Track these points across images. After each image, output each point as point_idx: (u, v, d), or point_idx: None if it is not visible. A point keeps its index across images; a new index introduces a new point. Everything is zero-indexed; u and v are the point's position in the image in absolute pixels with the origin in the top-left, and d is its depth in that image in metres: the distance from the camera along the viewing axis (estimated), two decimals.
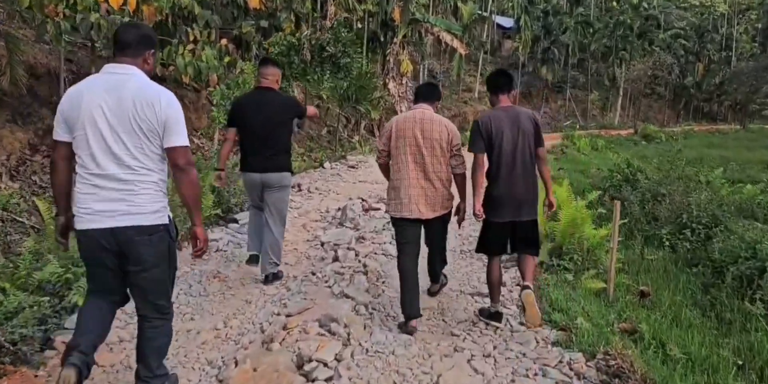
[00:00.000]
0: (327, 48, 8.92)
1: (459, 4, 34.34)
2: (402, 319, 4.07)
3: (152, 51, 2.69)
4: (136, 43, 2.61)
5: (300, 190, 9.63)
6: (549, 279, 5.44)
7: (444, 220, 4.12)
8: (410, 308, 3.96)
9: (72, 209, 2.66)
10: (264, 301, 4.69)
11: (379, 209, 7.99)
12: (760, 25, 56.64)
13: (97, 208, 2.52)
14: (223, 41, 11.39)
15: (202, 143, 11.54)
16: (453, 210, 4.15)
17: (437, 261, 4.45)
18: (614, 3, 52.51)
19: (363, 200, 8.72)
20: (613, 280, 5.32)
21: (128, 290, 2.82)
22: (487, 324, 4.16)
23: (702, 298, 5.76)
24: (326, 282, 5.08)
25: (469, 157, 4.03)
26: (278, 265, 5.02)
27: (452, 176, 4.03)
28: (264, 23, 12.00)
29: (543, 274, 5.60)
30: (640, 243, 7.57)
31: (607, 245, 5.84)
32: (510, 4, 48.03)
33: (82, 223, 2.57)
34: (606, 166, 17.81)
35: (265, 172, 4.64)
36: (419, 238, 4.12)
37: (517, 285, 4.73)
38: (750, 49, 59.34)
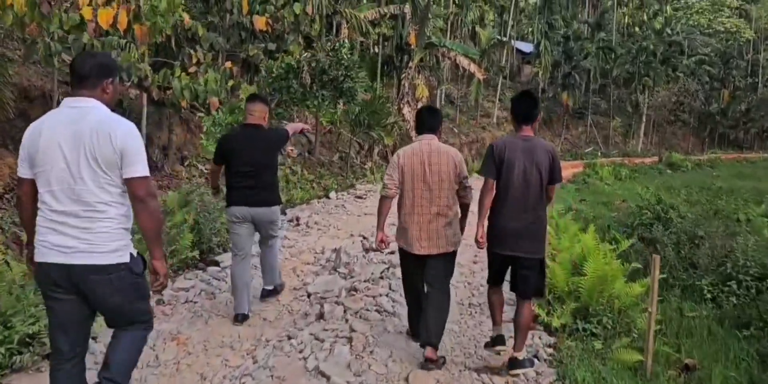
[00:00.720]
0: (328, 71, 8.20)
1: (477, 28, 33.84)
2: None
3: (110, 79, 2.62)
4: (93, 74, 2.56)
5: (298, 225, 8.81)
6: (574, 348, 4.50)
7: (452, 257, 4.03)
8: (426, 333, 3.86)
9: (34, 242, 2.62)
10: (222, 378, 3.82)
11: (379, 250, 7.12)
12: None
13: (55, 243, 2.48)
14: (228, 64, 10.75)
15: (206, 169, 10.83)
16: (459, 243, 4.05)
17: (435, 315, 3.93)
18: (636, 29, 51.80)
19: (364, 238, 7.87)
20: (651, 352, 4.36)
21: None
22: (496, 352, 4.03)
23: (759, 372, 4.77)
24: (301, 352, 4.20)
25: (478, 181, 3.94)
26: (276, 281, 5.19)
27: (459, 207, 3.99)
28: (272, 46, 11.35)
29: (566, 342, 4.66)
30: (677, 295, 6.58)
31: (643, 304, 4.89)
32: (530, 29, 47.62)
33: (39, 256, 2.54)
34: (631, 197, 16.81)
35: (254, 205, 4.61)
36: (422, 274, 4.06)
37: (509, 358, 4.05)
38: None
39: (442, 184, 3.86)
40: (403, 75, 23.36)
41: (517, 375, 3.78)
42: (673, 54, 45.84)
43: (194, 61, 10.92)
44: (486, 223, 3.82)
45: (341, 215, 9.89)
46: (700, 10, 57.39)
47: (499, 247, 3.79)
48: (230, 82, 9.96)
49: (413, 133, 23.36)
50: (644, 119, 44.94)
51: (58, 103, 10.28)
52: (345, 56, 8.03)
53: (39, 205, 2.54)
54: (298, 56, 8.40)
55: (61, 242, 2.48)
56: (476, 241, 3.85)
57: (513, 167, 3.69)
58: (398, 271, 5.36)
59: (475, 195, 4.04)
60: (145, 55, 10.34)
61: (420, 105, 23.64)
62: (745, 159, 39.86)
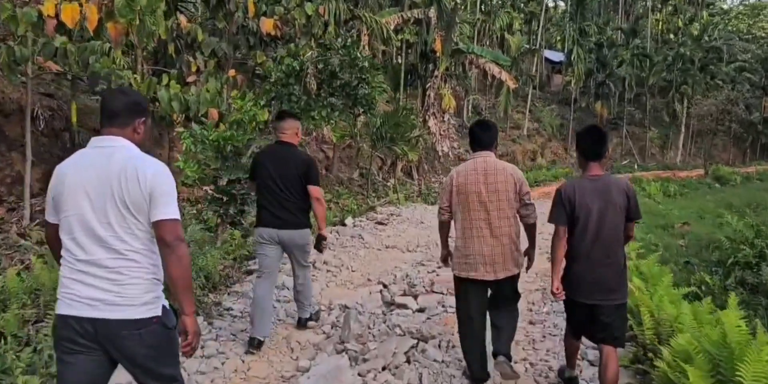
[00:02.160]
0: (339, 74, 6.57)
1: (506, 35, 32.12)
2: None
3: (143, 119, 2.42)
4: (125, 113, 2.37)
5: (316, 267, 7.10)
6: None
7: (513, 286, 3.81)
8: (476, 371, 3.77)
9: None
10: None
11: (405, 306, 5.39)
12: None
13: (81, 294, 2.25)
14: (231, 72, 9.13)
15: (210, 189, 9.30)
16: (524, 263, 3.83)
17: (500, 329, 3.81)
18: (671, 35, 49.63)
19: (384, 287, 6.13)
20: None
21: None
22: None
23: None
24: None
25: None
26: (310, 306, 4.88)
27: (522, 227, 3.75)
28: (282, 52, 9.75)
29: None
30: None
31: None
32: (558, 38, 45.76)
33: (62, 308, 2.30)
34: (688, 217, 14.81)
35: (282, 228, 4.41)
36: (485, 306, 3.80)
37: None
38: None
39: (501, 203, 3.62)
40: (428, 84, 21.71)
41: None
42: (711, 61, 43.55)
43: (193, 69, 9.41)
44: (560, 272, 3.52)
45: (358, 250, 8.15)
46: (738, 15, 54.97)
47: (579, 295, 3.49)
48: (234, 92, 8.40)
49: (439, 147, 21.81)
50: (683, 130, 42.64)
51: (42, 118, 8.86)
52: (359, 55, 6.39)
53: (63, 253, 2.33)
54: (293, 56, 6.80)
55: (90, 294, 2.25)
56: (552, 293, 3.53)
57: (587, 212, 3.40)
58: (430, 349, 4.28)
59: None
60: (139, 62, 8.89)
61: (446, 116, 21.99)
62: None
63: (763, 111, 49.87)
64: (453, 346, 4.40)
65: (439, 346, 4.37)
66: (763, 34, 54.01)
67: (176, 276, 2.29)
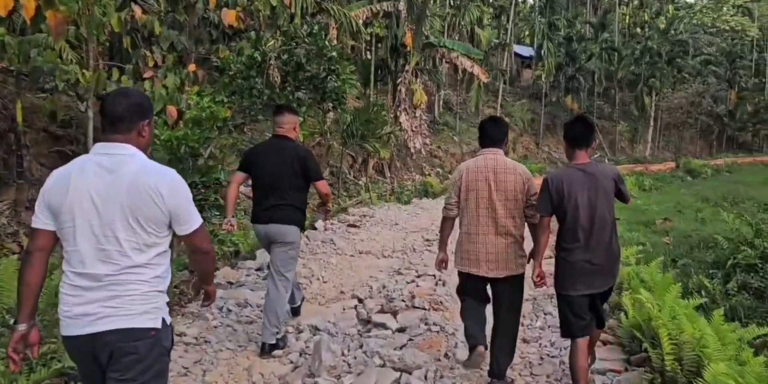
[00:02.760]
0: (305, 66, 5.91)
1: (477, 29, 31.65)
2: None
3: (147, 121, 2.29)
4: (128, 116, 2.24)
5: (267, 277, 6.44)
6: None
7: (518, 281, 3.70)
8: (474, 337, 3.64)
9: (35, 318, 2.32)
10: None
11: (383, 325, 4.79)
12: None
13: (77, 312, 2.16)
14: (191, 67, 8.34)
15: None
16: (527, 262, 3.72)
17: (500, 342, 3.69)
18: (638, 29, 49.81)
19: (360, 302, 5.52)
20: None
21: None
22: None
23: None
24: None
25: None
26: (278, 332, 4.32)
27: (527, 227, 3.69)
28: (246, 46, 9.03)
29: None
30: None
31: None
32: (527, 33, 45.57)
33: (63, 329, 2.22)
34: (668, 212, 14.50)
35: (268, 223, 4.26)
36: (485, 297, 3.78)
37: None
38: None
39: (508, 203, 3.60)
40: (399, 80, 21.10)
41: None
42: (678, 54, 43.83)
43: (150, 64, 8.66)
44: (542, 262, 3.58)
45: (329, 257, 7.51)
46: (702, 9, 55.51)
47: (580, 287, 3.39)
48: (194, 88, 7.67)
49: (411, 144, 21.25)
50: (651, 123, 42.85)
51: None
52: (327, 45, 5.73)
53: (63, 266, 2.23)
54: (263, 47, 6.11)
55: (85, 311, 2.16)
56: (533, 280, 3.54)
57: (577, 202, 3.35)
58: (414, 383, 3.74)
59: None
60: (93, 58, 8.12)
61: (418, 112, 21.42)
62: (761, 162, 37.64)
63: (728, 104, 50.51)
64: (441, 377, 3.81)
65: (425, 377, 3.77)
66: (727, 28, 54.63)
67: (208, 271, 2.50)
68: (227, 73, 6.33)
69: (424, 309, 5.14)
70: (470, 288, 3.78)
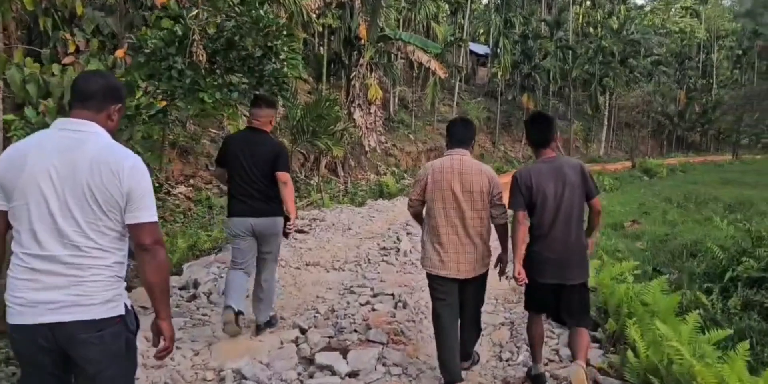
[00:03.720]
0: (237, 43, 4.82)
1: (433, 24, 30.85)
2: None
3: (119, 106, 2.23)
4: (100, 95, 2.16)
5: (194, 298, 5.35)
6: None
7: (483, 280, 3.75)
8: (451, 372, 3.54)
9: None
10: None
11: (330, 368, 3.74)
12: (740, 51, 54.65)
13: (33, 299, 2.03)
14: (119, 52, 7.12)
15: None
16: (492, 264, 3.77)
17: (470, 332, 3.81)
18: (591, 29, 50.03)
19: (302, 333, 4.47)
20: None
21: None
22: None
23: None
24: None
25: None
26: (272, 310, 4.59)
27: (492, 228, 3.71)
28: (179, 30, 7.82)
29: None
30: None
31: None
32: (482, 31, 45.16)
33: (14, 317, 2.07)
34: (633, 213, 13.91)
35: (256, 216, 4.26)
36: (457, 297, 3.68)
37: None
38: (731, 76, 57.43)
39: (475, 204, 3.57)
40: (353, 74, 20.08)
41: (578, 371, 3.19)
42: (631, 54, 44.14)
43: (71, 48, 7.40)
44: (521, 256, 3.51)
45: None
46: (653, 10, 56.28)
47: (540, 276, 3.47)
48: (118, 73, 6.46)
49: (366, 141, 20.24)
50: (605, 122, 42.98)
51: None
52: (264, 15, 4.65)
53: (13, 248, 2.09)
54: (175, 20, 4.98)
55: (43, 298, 2.02)
56: (514, 278, 3.50)
57: (545, 194, 3.42)
58: None
59: None
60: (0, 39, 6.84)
61: (373, 108, 20.43)
62: (712, 162, 38.11)
63: (677, 104, 51.29)
64: None
65: None
66: (677, 29, 55.58)
67: (154, 282, 2.14)
68: (143, 52, 5.22)
69: (382, 344, 4.12)
70: (441, 292, 3.68)
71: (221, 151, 4.50)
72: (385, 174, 22.03)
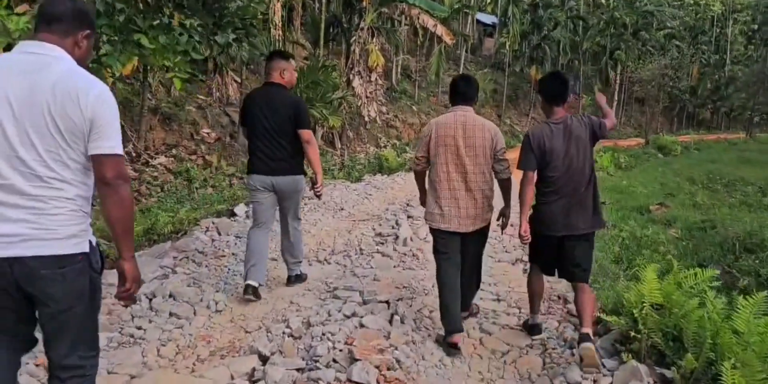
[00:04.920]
0: None
1: None
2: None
3: (87, 32, 2.08)
4: (68, 19, 2.03)
5: (153, 308, 4.17)
6: None
7: (483, 233, 3.86)
8: (453, 323, 3.64)
9: None
10: None
11: None
12: (756, 26, 52.66)
13: None
14: (21, 7, 5.69)
15: None
16: (495, 216, 3.88)
17: (469, 283, 3.93)
18: (603, 0, 48.06)
19: (261, 361, 3.28)
20: None
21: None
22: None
23: None
24: None
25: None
26: (300, 263, 4.75)
27: (496, 182, 3.81)
28: None
29: None
30: None
31: None
32: (488, 1, 43.28)
33: None
34: (655, 194, 12.70)
35: (276, 174, 4.27)
36: (459, 250, 3.78)
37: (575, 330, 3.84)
38: (745, 52, 55.53)
39: (478, 158, 3.64)
40: (353, 39, 18.61)
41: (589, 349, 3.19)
42: (644, 26, 42.33)
43: None
44: (527, 215, 3.58)
45: (239, 264, 5.21)
46: None
47: (550, 229, 3.55)
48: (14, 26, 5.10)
49: (365, 111, 18.87)
50: (616, 97, 41.41)
51: None
52: None
53: None
54: None
55: (2, 230, 1.90)
56: (520, 236, 3.58)
57: (556, 153, 3.48)
58: None
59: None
60: None
61: (374, 76, 18.96)
62: (725, 139, 36.73)
63: (690, 80, 49.54)
64: None
65: None
66: (691, 1, 53.45)
67: (117, 217, 2.02)
68: None
69: None
70: (443, 245, 3.77)
71: (242, 110, 4.47)
72: (385, 146, 20.70)
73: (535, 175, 3.54)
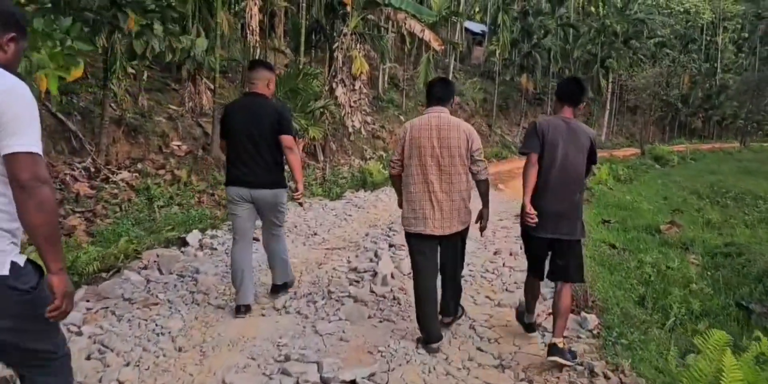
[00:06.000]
0: None
1: None
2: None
3: (11, 35, 1.96)
4: None
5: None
6: None
7: (462, 237, 3.85)
8: (429, 333, 3.70)
9: None
10: None
11: None
12: (746, 34, 52.33)
13: None
14: None
15: None
16: (473, 220, 3.90)
17: (450, 288, 3.92)
18: (593, 8, 47.48)
19: None
20: None
21: None
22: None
23: None
24: None
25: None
26: (288, 277, 4.67)
27: (474, 184, 3.83)
28: None
29: None
30: None
31: None
32: (477, 9, 42.59)
33: None
34: (660, 209, 11.73)
35: (254, 187, 4.17)
36: (437, 254, 3.83)
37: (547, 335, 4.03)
38: (735, 60, 55.15)
39: (453, 159, 3.65)
40: (336, 45, 17.62)
41: (555, 362, 3.40)
42: (635, 34, 41.76)
43: None
44: (530, 193, 3.67)
45: (170, 319, 4.09)
46: None
47: (541, 230, 3.67)
48: None
49: (349, 122, 17.83)
50: (608, 106, 40.70)
51: None
52: None
53: None
54: None
55: None
56: (525, 213, 3.60)
57: (556, 148, 3.63)
58: None
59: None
60: None
61: (357, 84, 17.90)
62: (720, 149, 36.03)
63: (681, 88, 48.97)
64: None
65: None
66: (681, 10, 53.06)
67: (36, 224, 1.84)
68: None
69: None
70: (418, 250, 3.77)
71: (222, 121, 4.37)
72: (371, 158, 19.63)
73: (537, 158, 3.63)
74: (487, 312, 4.52)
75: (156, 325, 3.94)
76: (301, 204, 4.51)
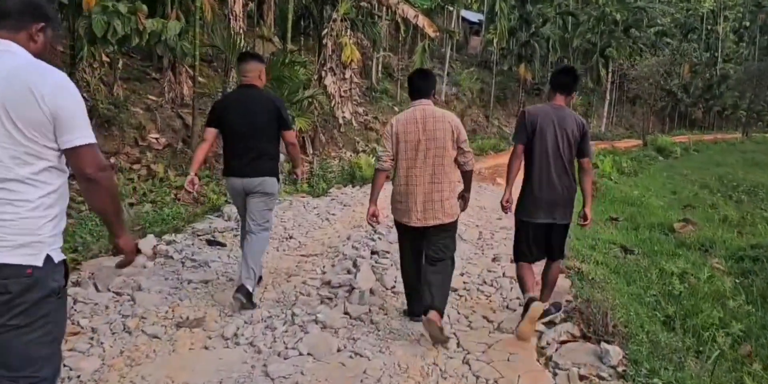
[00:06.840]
0: None
1: None
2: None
3: (42, 25, 1.96)
4: (17, 13, 1.92)
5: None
6: None
7: (451, 229, 3.81)
8: (411, 307, 3.94)
9: None
10: None
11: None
12: (747, 23, 51.41)
13: None
14: None
15: None
16: (459, 207, 3.87)
17: (439, 280, 3.69)
18: None
19: None
20: None
21: None
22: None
23: None
24: None
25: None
26: (252, 280, 4.16)
27: (460, 174, 3.86)
28: None
29: None
30: None
31: None
32: None
33: None
34: (669, 204, 10.92)
35: (245, 176, 4.21)
36: (421, 243, 3.84)
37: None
38: (736, 49, 54.26)
39: (439, 151, 3.67)
40: (325, 31, 16.71)
41: (548, 322, 3.81)
42: (635, 23, 40.82)
43: None
44: (512, 187, 3.87)
45: (102, 348, 3.25)
46: None
47: (532, 216, 3.82)
48: None
49: (339, 112, 16.97)
50: (607, 96, 39.83)
51: None
52: None
53: None
54: None
55: None
56: (501, 204, 3.91)
57: (545, 135, 3.73)
58: None
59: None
60: None
61: (348, 73, 17.00)
62: (722, 140, 35.24)
63: (681, 78, 48.09)
64: None
65: None
66: None
67: (106, 207, 1.97)
68: None
69: None
70: (405, 239, 3.88)
71: (211, 112, 4.38)
72: (363, 151, 18.74)
73: (523, 149, 3.80)
74: (485, 341, 3.69)
75: (64, 365, 3.10)
76: (301, 178, 4.58)
